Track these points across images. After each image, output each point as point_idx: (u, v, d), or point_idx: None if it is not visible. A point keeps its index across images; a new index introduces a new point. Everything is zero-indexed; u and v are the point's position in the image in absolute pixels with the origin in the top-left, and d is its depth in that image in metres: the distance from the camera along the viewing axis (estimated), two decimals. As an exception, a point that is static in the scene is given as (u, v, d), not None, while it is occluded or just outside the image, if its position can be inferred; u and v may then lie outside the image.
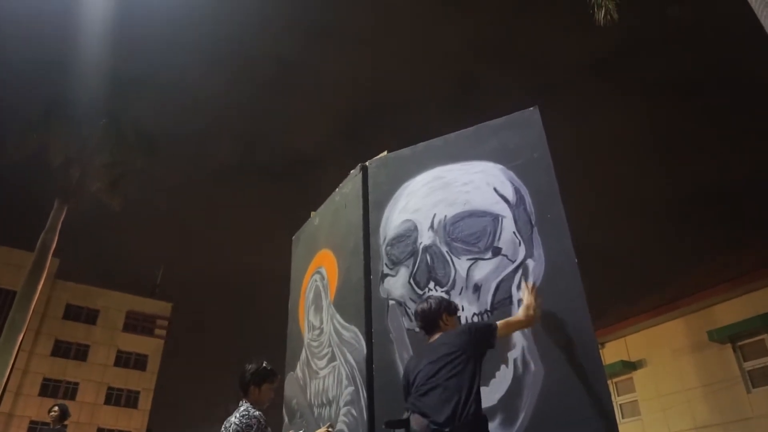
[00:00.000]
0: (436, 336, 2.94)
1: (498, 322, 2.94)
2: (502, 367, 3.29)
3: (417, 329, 3.15)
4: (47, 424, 6.73)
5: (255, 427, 3.20)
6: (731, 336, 11.49)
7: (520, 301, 3.37)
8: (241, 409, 3.31)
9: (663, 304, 13.05)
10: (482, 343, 2.81)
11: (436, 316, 2.99)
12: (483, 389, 2.96)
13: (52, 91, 14.96)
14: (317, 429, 3.90)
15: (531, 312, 3.05)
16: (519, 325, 3.11)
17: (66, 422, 6.80)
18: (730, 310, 11.59)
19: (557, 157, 3.67)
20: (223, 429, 3.30)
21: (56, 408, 6.64)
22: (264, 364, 3.50)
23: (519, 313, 3.12)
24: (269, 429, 3.24)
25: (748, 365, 11.31)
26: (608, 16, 10.21)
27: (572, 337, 3.13)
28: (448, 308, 3.06)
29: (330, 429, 3.85)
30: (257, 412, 3.27)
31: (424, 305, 3.05)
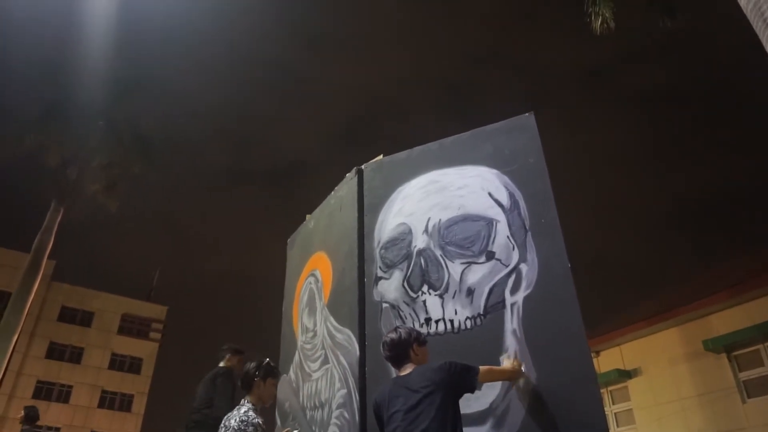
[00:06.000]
0: (409, 369, 2.85)
1: (481, 367, 2.82)
2: (495, 371, 3.27)
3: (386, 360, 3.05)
4: (40, 427, 6.81)
5: None
6: (726, 346, 11.47)
7: (513, 305, 3.38)
8: (242, 410, 3.23)
9: (658, 312, 13.03)
10: (460, 385, 2.72)
11: (406, 345, 2.90)
12: (476, 393, 2.96)
13: (50, 91, 14.94)
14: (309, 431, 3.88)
15: (517, 367, 3.11)
16: (502, 375, 3.05)
17: (37, 423, 6.87)
18: (726, 320, 11.58)
19: (552, 164, 3.68)
20: (222, 427, 3.24)
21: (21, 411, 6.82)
22: (268, 360, 3.49)
23: (504, 363, 3.14)
24: None
25: (744, 375, 11.30)
26: (605, 25, 10.23)
27: (564, 342, 3.13)
28: (418, 338, 2.97)
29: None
30: (257, 419, 3.20)
31: (394, 335, 2.97)
